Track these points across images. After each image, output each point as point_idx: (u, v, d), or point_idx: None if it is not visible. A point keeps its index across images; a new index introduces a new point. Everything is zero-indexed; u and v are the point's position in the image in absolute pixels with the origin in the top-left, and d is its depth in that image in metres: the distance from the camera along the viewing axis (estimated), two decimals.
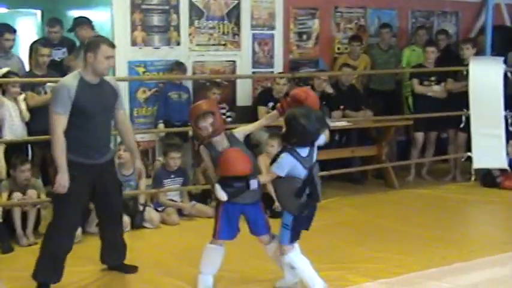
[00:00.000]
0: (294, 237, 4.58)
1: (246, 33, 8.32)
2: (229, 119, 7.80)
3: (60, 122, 4.52)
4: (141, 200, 6.55)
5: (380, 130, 8.36)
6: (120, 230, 5.13)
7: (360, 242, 5.90)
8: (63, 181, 4.52)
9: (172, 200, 6.82)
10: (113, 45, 4.74)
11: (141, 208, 6.46)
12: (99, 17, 7.70)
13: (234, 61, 8.26)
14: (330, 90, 8.15)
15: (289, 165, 4.42)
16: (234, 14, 8.22)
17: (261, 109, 7.78)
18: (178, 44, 7.89)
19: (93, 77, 4.66)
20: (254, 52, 8.43)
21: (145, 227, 6.42)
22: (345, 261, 5.37)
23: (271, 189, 5.46)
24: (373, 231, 6.27)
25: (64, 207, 4.65)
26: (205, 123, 4.44)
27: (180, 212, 6.79)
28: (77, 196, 4.65)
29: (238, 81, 8.35)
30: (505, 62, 8.31)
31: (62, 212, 4.67)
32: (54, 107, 4.54)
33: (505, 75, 8.13)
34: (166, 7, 7.78)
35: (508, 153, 8.11)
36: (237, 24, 8.24)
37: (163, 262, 5.44)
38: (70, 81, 4.63)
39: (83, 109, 4.57)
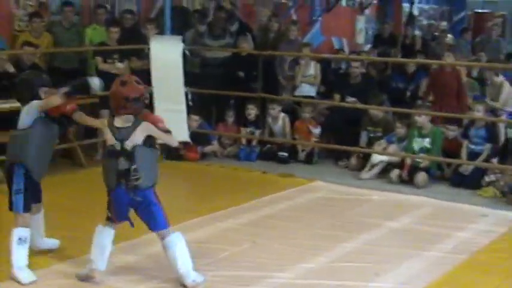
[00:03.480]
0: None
1: None
2: None
3: None
4: None
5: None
6: None
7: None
8: None
9: None
10: None
11: None
12: None
13: None
14: (11, 69, 7.84)
15: None
16: None
17: None
18: None
19: None
20: None
21: None
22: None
23: None
24: (63, 212, 6.16)
25: None
26: None
27: None
28: None
29: None
30: (184, 40, 8.77)
31: None
32: None
33: (184, 53, 8.59)
34: None
35: (188, 127, 8.61)
36: None
37: None
38: None
39: None
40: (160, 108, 8.40)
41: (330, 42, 12.77)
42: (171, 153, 8.60)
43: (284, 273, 4.95)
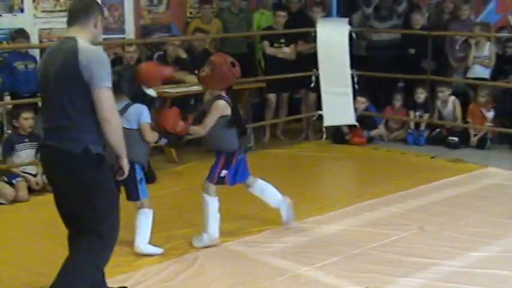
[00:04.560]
0: None
1: None
2: None
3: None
4: None
5: (235, 93, 8.43)
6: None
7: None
8: (128, 167, 3.81)
9: (26, 173, 6.51)
10: None
11: None
12: None
13: None
14: (183, 55, 8.15)
15: None
16: None
17: None
18: (21, 11, 7.56)
19: None
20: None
21: None
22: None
23: None
24: (231, 194, 6.29)
25: (114, 210, 3.79)
26: None
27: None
28: None
29: None
30: (350, 23, 8.66)
31: (113, 219, 3.77)
32: (105, 81, 3.53)
33: (350, 35, 8.48)
34: None
35: (355, 110, 8.50)
36: None
37: (19, 241, 5.27)
38: None
39: None
40: (327, 91, 8.39)
41: (506, 20, 12.05)
42: (337, 137, 8.56)
43: (453, 261, 4.74)
